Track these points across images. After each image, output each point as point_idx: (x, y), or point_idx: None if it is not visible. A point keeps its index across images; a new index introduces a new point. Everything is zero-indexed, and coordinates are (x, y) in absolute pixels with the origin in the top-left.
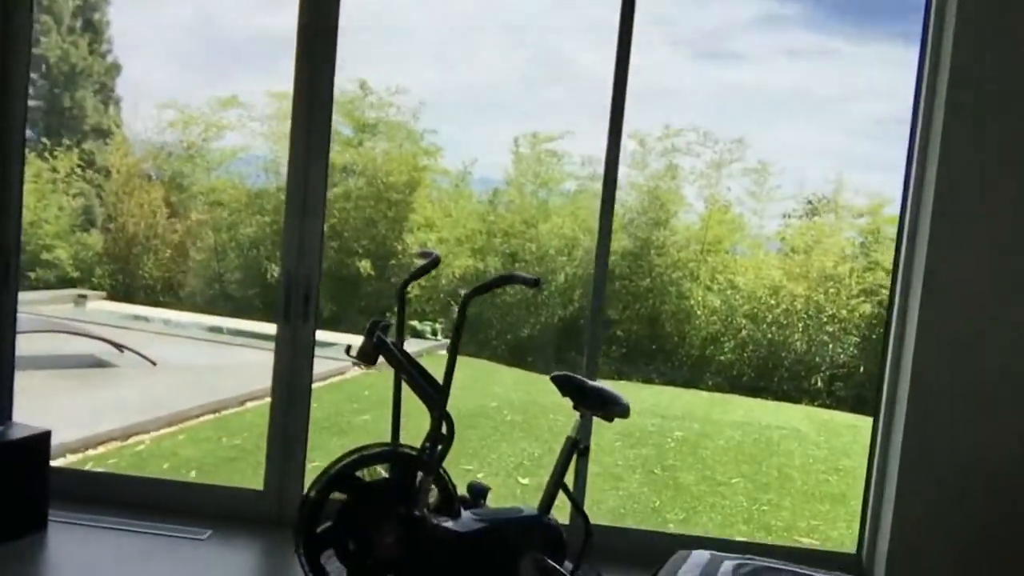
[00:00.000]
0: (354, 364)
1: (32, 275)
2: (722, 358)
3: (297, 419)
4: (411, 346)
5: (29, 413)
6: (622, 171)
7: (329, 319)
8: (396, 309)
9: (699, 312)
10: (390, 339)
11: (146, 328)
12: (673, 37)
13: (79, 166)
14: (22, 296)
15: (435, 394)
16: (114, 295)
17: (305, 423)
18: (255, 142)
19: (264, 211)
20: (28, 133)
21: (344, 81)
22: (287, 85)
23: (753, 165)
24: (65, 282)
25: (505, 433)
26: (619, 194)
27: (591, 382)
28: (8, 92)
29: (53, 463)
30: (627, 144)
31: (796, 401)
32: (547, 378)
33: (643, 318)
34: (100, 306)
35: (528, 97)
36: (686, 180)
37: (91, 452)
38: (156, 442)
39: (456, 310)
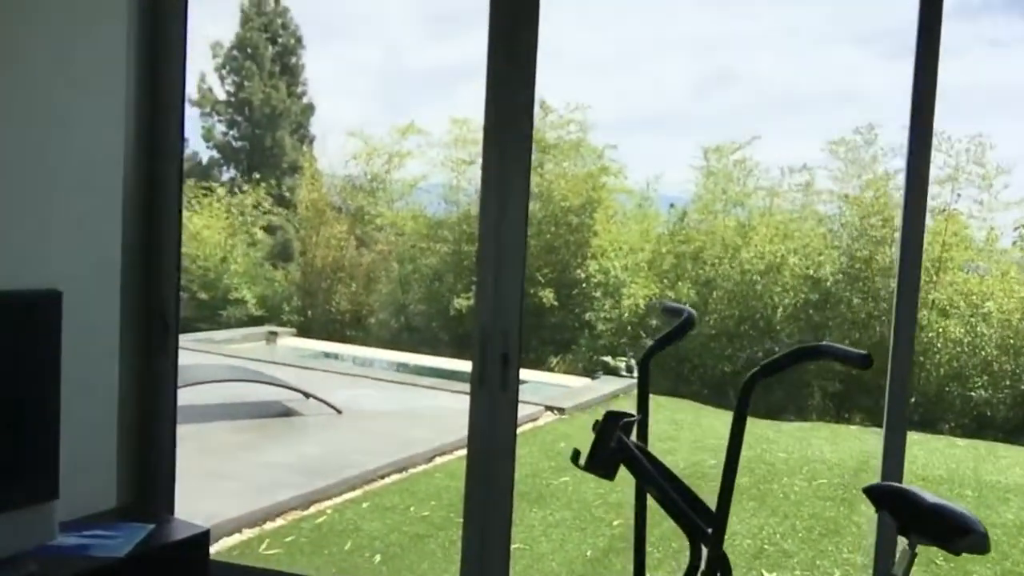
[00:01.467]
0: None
1: (223, 313)
2: (973, 394)
3: (497, 506)
4: (604, 384)
5: (206, 480)
6: (825, 183)
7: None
8: (637, 385)
9: (937, 343)
10: (633, 439)
11: (331, 368)
12: (860, 35)
13: (270, 203)
14: (214, 335)
15: (703, 522)
16: (303, 331)
17: (507, 511)
18: (434, 170)
19: (445, 240)
20: (232, 173)
21: None
22: (465, 112)
23: (979, 170)
24: (256, 320)
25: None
26: (825, 208)
27: (930, 497)
28: (162, 153)
29: (227, 540)
30: (831, 151)
31: None
32: (766, 423)
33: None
34: (289, 343)
35: (706, 108)
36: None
37: (269, 525)
38: (339, 511)
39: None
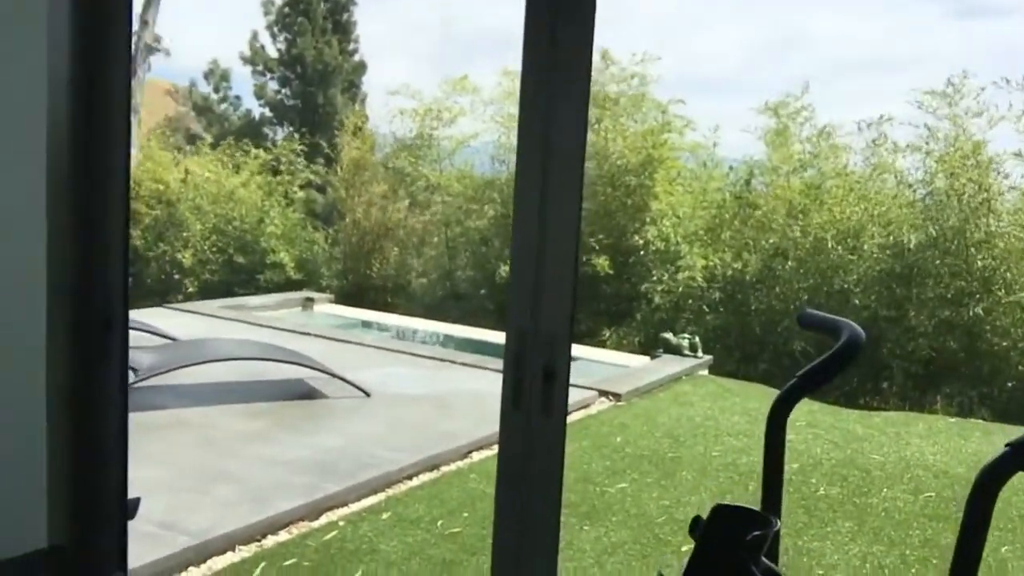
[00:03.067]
0: None
1: (260, 277)
2: None
3: (536, 548)
4: (665, 365)
5: (201, 482)
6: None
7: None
8: (765, 455)
9: None
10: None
11: (366, 341)
12: None
13: (308, 162)
14: (247, 301)
15: None
16: (342, 297)
17: (552, 551)
18: (485, 128)
19: (492, 202)
20: (285, 130)
21: None
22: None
23: None
24: (294, 284)
25: (823, 520)
26: (908, 170)
27: None
28: (102, 90)
29: (217, 560)
30: (912, 110)
31: None
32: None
33: (956, 328)
34: (326, 310)
35: (770, 69)
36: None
37: (269, 540)
38: (353, 524)
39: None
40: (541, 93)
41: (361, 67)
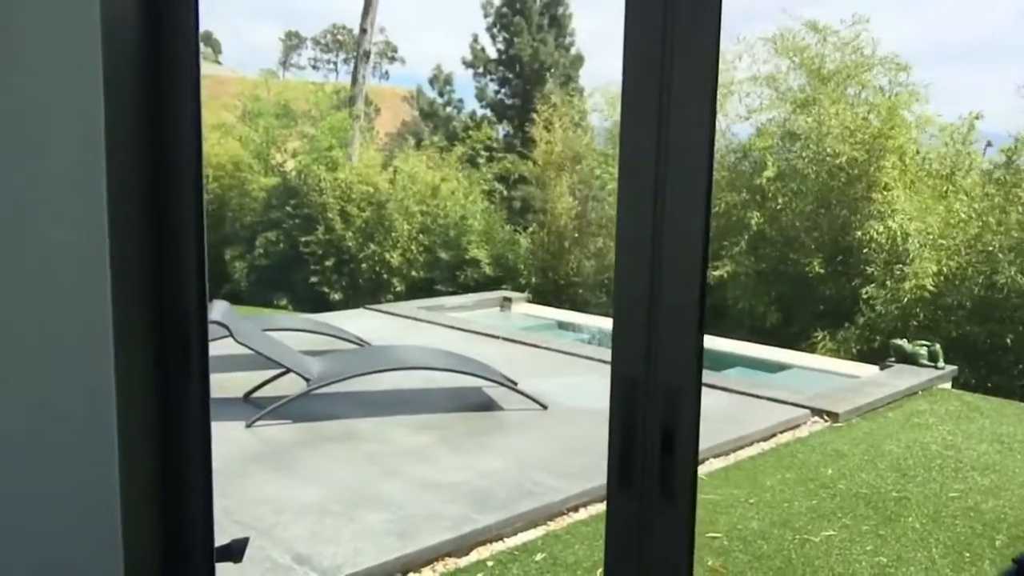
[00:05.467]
0: None
1: (460, 275)
2: None
3: None
4: (896, 377)
5: (350, 507)
6: None
7: (773, 330)
8: None
9: None
10: None
11: (553, 345)
12: None
13: (513, 159)
14: (447, 301)
15: None
16: (540, 296)
17: None
18: None
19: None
20: (504, 129)
21: (787, 20)
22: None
23: None
24: (493, 281)
25: None
26: None
27: None
28: (172, 93)
29: None
30: None
31: None
32: None
33: None
34: (524, 310)
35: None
36: None
37: None
38: (504, 564)
39: None
40: (651, 73)
41: (578, 61)
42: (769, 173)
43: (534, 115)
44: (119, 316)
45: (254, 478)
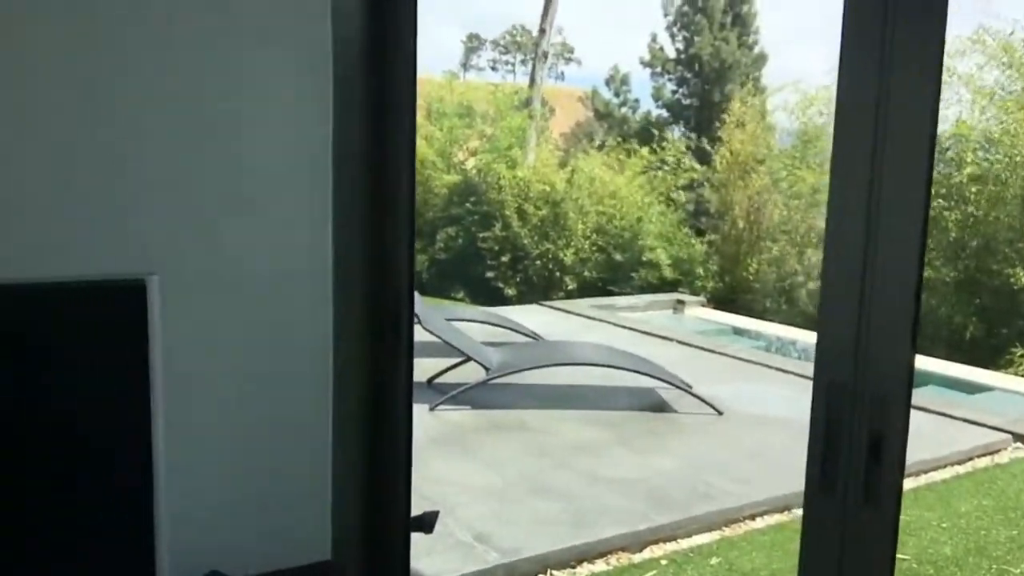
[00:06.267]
0: None
1: (635, 276)
2: None
3: None
4: None
5: (523, 494)
6: None
7: (971, 343)
8: None
9: None
10: None
11: (729, 351)
12: None
13: (691, 158)
14: (618, 301)
15: None
16: (717, 300)
17: None
18: None
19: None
20: (681, 130)
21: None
22: None
23: None
24: (668, 284)
25: None
26: None
27: None
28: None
29: None
30: None
31: None
32: None
33: None
34: (697, 313)
35: None
36: None
37: (584, 568)
38: (677, 563)
39: None
40: (871, 51)
41: (761, 59)
42: (969, 171)
43: (713, 115)
44: (338, 304)
45: (436, 458)
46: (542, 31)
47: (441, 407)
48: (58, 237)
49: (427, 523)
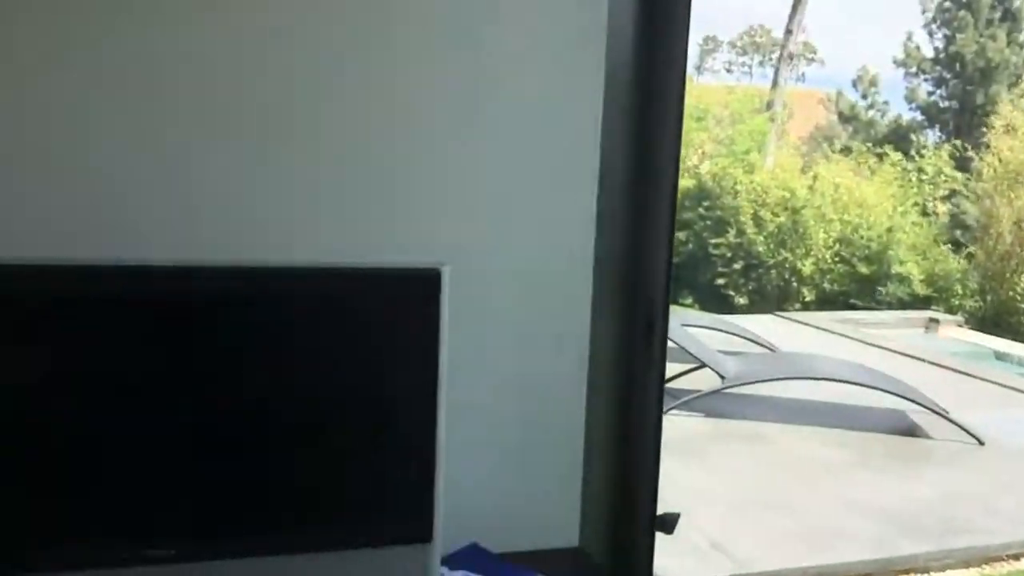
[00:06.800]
0: None
1: (882, 290)
2: None
3: None
4: None
5: (757, 507)
6: None
7: None
8: None
9: None
10: None
11: (991, 376)
12: None
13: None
14: (864, 316)
15: None
16: (977, 322)
17: None
18: None
19: None
20: (935, 135)
21: None
22: None
23: None
24: (919, 301)
25: None
26: None
27: None
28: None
29: None
30: None
31: None
32: None
33: None
34: (953, 334)
35: None
36: None
37: None
38: None
39: None
40: None
41: None
42: None
43: (975, 119)
44: (596, 305)
45: (667, 462)
46: (788, 31)
47: (673, 411)
48: (369, 228)
49: (669, 523)
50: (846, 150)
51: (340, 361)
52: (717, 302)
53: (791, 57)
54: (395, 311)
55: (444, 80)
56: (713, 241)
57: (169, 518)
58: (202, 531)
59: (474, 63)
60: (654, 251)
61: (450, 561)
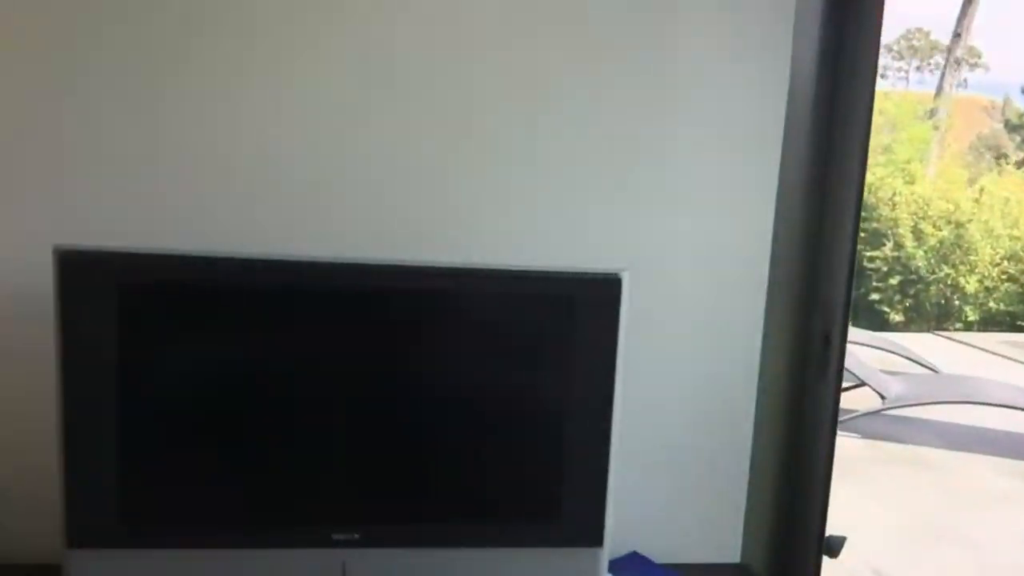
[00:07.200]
0: None
1: None
2: None
3: None
4: None
5: (931, 531)
6: None
7: None
8: None
9: None
10: None
11: None
12: None
13: None
14: None
15: None
16: None
17: None
18: None
19: None
20: None
21: None
22: None
23: None
24: None
25: None
26: None
27: None
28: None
29: None
30: None
31: None
32: None
33: None
34: None
35: None
36: None
37: None
38: None
39: None
40: None
41: None
42: None
43: None
44: (769, 315)
45: None
46: (957, 35)
47: None
48: (551, 233)
49: (834, 547)
50: (1021, 163)
51: (523, 363)
52: (870, 318)
53: (959, 63)
54: (575, 314)
55: (632, 84)
56: (868, 254)
57: (355, 506)
58: (385, 519)
59: (659, 67)
60: (835, 260)
61: (612, 567)
